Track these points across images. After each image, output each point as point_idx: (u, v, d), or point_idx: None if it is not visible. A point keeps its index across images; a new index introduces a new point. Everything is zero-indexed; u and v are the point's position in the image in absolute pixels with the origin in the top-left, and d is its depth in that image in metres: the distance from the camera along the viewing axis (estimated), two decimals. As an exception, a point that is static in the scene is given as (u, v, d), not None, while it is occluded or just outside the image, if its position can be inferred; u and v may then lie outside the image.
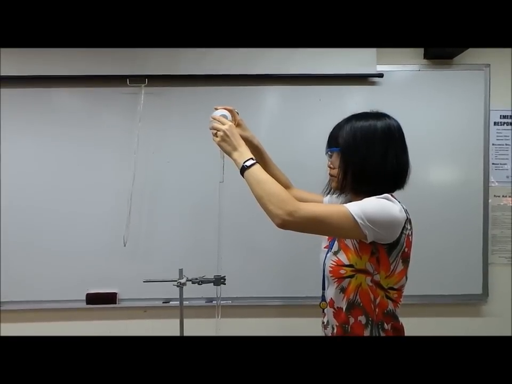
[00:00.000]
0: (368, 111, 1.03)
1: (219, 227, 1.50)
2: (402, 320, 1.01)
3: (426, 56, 1.86)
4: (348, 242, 0.98)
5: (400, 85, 1.85)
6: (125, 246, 1.75)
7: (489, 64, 1.84)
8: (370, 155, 0.94)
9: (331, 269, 0.99)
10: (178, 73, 1.77)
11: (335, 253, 1.00)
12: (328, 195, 1.14)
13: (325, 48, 1.78)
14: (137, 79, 1.76)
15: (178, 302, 1.47)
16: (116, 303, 1.80)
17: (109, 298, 1.79)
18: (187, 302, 1.56)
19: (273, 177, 0.96)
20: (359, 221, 0.87)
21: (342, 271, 0.97)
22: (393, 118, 1.00)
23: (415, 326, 1.10)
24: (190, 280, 1.43)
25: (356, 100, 1.83)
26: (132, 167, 1.78)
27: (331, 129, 1.05)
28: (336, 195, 1.09)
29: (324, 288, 1.06)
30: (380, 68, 1.81)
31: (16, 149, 1.79)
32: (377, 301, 0.95)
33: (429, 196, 1.83)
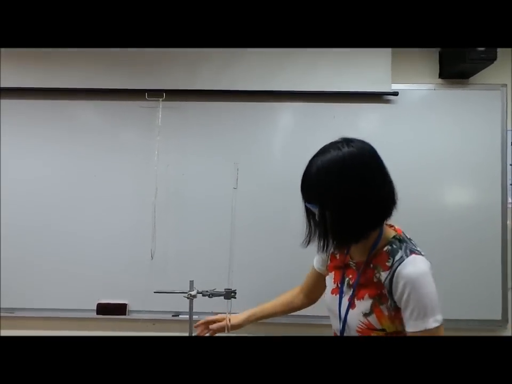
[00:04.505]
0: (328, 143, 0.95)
1: (231, 240, 1.50)
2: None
3: (441, 76, 1.86)
4: (384, 308, 0.91)
5: (415, 104, 1.84)
6: (152, 258, 1.79)
7: (506, 84, 1.83)
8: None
9: (360, 330, 0.94)
10: (196, 87, 1.81)
11: (366, 315, 0.92)
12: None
13: (340, 66, 1.81)
14: (155, 93, 1.80)
15: (187, 316, 1.46)
16: (125, 314, 1.80)
17: (119, 309, 1.79)
18: (196, 316, 1.54)
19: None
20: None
21: (373, 334, 0.92)
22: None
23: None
24: (201, 293, 1.42)
25: (370, 118, 1.83)
26: (149, 180, 1.80)
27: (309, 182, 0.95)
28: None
29: (341, 333, 0.99)
30: (394, 87, 1.82)
31: (35, 161, 1.83)
32: None
33: (445, 218, 1.79)
